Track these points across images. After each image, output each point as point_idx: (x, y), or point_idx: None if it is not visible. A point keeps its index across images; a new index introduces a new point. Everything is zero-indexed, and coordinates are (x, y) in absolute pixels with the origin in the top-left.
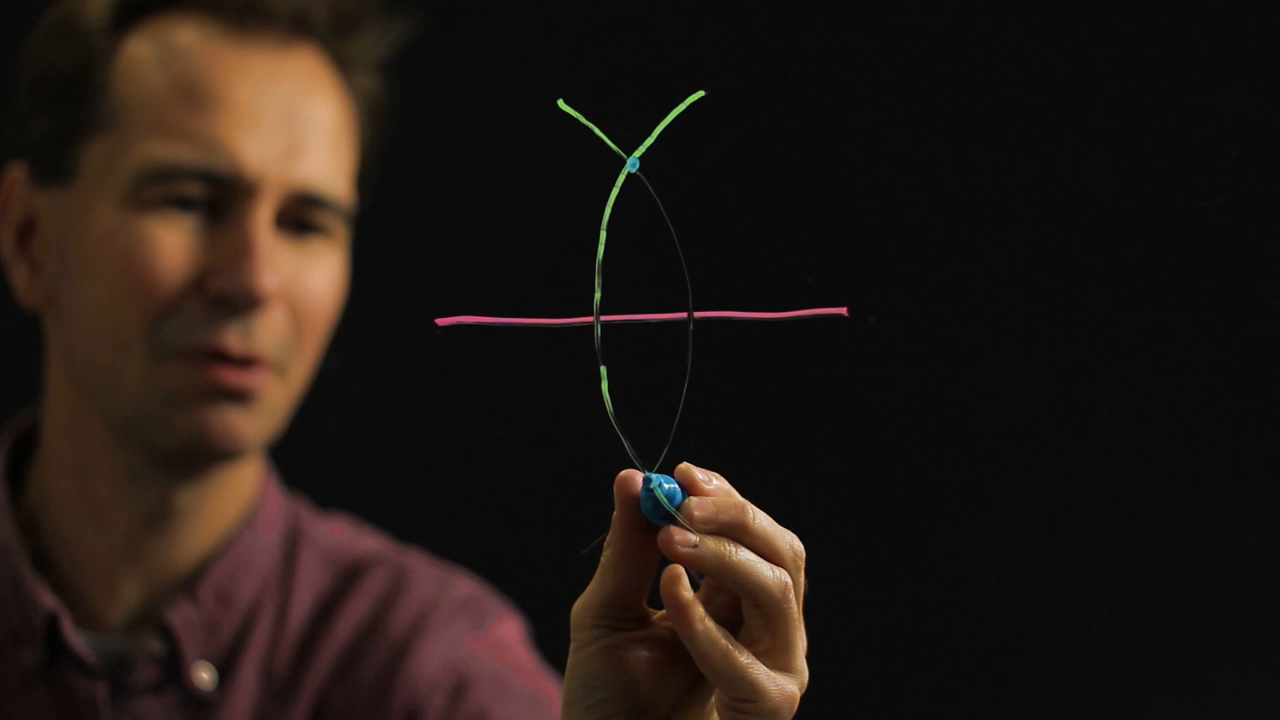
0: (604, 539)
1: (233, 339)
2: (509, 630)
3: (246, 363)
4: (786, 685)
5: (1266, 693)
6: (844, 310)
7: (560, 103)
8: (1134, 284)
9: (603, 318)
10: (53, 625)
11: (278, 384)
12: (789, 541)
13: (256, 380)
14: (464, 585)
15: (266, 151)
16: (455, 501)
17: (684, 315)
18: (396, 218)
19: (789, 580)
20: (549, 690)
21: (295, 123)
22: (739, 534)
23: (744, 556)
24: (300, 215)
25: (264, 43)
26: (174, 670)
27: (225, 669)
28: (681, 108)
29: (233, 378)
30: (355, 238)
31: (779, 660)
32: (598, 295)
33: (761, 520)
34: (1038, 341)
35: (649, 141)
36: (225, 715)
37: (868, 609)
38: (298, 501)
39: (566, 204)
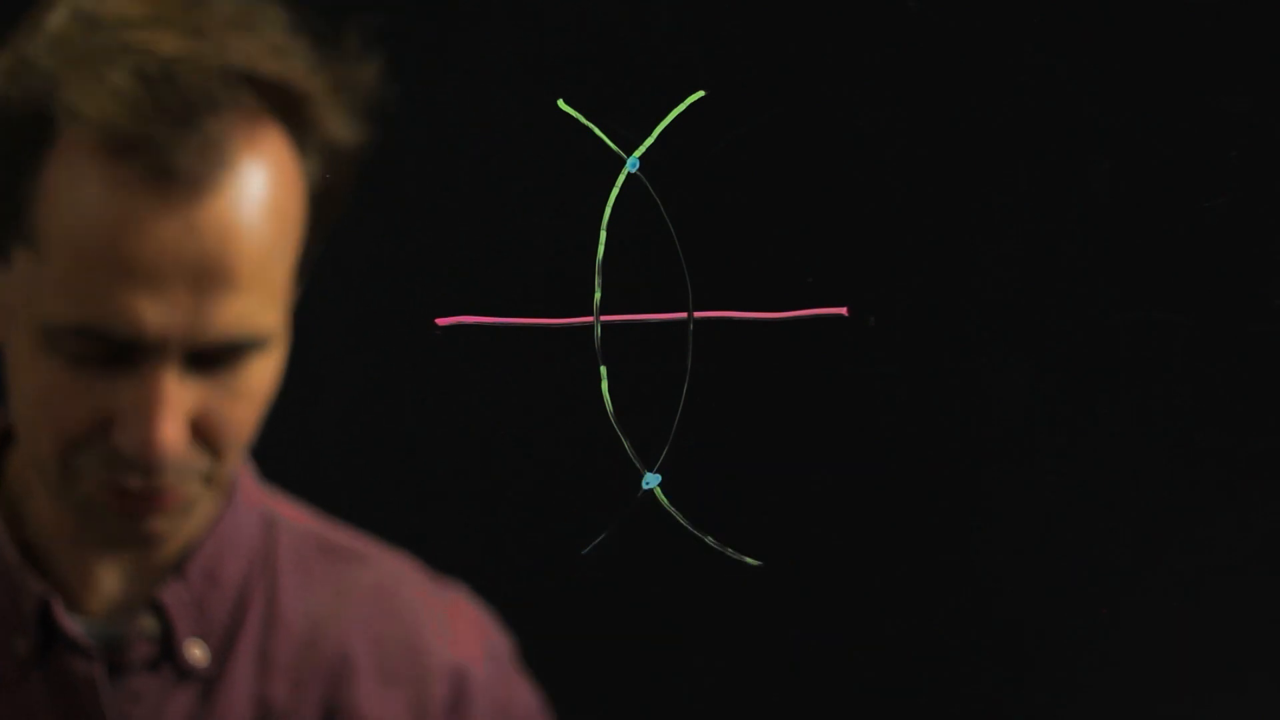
0: (604, 538)
1: (135, 483)
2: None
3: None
4: None
5: (1266, 693)
6: (844, 310)
7: (560, 103)
8: (1134, 284)
9: (603, 318)
10: (44, 610)
11: (201, 488)
12: None
13: (172, 501)
14: (458, 602)
15: (171, 317)
16: (453, 501)
17: (684, 315)
18: (396, 218)
19: None
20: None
21: (208, 277)
22: None
23: None
24: (214, 359)
25: (181, 183)
26: (167, 648)
27: (217, 646)
28: (681, 108)
29: (144, 504)
30: (355, 237)
31: None
32: (598, 295)
33: None
34: (1038, 341)
35: (649, 141)
36: (220, 691)
37: (866, 607)
38: (266, 486)
39: (566, 204)
